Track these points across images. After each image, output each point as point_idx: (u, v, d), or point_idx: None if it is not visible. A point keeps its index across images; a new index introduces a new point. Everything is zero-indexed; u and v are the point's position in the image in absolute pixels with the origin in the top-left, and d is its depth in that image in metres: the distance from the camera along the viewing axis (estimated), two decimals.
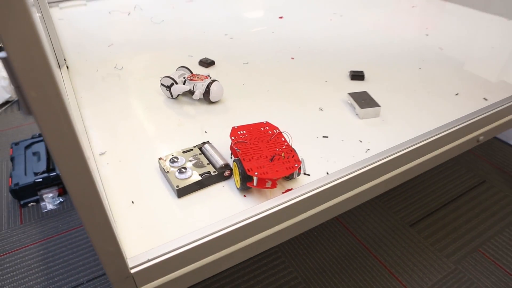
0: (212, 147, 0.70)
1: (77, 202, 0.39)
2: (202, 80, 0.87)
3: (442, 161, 0.82)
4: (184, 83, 0.90)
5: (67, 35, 1.30)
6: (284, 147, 0.65)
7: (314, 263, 1.06)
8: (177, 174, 0.64)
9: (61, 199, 1.36)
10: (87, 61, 1.12)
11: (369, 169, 0.68)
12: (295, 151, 0.64)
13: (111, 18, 1.45)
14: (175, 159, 0.68)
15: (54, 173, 1.34)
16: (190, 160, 0.67)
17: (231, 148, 0.69)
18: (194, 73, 0.94)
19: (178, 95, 0.91)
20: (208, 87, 0.86)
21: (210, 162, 0.67)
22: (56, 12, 1.50)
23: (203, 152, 0.69)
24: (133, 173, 0.69)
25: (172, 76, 0.90)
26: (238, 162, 0.62)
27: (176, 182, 0.63)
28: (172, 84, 0.89)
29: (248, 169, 0.59)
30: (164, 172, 0.65)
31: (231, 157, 0.70)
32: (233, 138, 0.66)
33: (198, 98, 0.87)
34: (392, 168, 0.73)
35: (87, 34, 1.31)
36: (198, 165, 0.67)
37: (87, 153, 0.72)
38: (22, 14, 0.28)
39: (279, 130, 0.68)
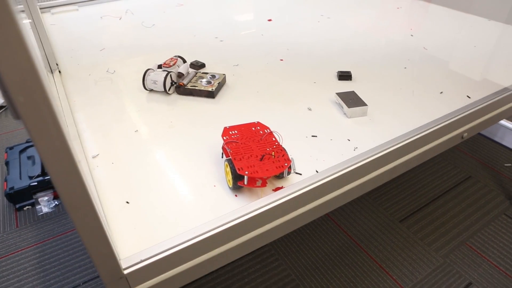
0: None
1: (68, 206, 0.38)
2: (170, 65, 0.93)
3: (428, 157, 0.83)
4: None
5: (59, 40, 1.28)
6: (274, 146, 0.64)
7: (307, 260, 1.06)
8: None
9: (56, 202, 1.35)
10: (80, 65, 1.11)
11: (357, 167, 0.68)
12: (285, 150, 0.64)
13: (103, 22, 1.44)
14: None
15: (49, 177, 1.32)
16: None
17: (223, 148, 0.69)
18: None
19: (151, 89, 0.94)
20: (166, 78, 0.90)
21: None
22: (48, 18, 1.49)
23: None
24: (126, 175, 0.68)
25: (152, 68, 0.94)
26: (229, 161, 0.62)
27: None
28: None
29: (238, 168, 0.59)
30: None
31: (222, 157, 0.70)
32: (225, 138, 0.66)
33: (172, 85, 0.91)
34: (380, 166, 0.73)
35: (79, 39, 1.30)
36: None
37: (78, 156, 0.71)
38: (7, 20, 0.27)
39: (269, 130, 0.68)
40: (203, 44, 1.22)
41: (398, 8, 1.55)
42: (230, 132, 0.67)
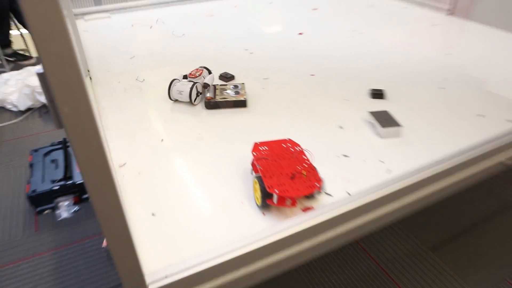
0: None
1: (100, 215, 0.39)
2: (196, 76, 0.96)
3: (465, 186, 0.80)
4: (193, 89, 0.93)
5: (91, 47, 1.33)
6: (305, 165, 0.64)
7: (330, 285, 1.04)
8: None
9: (76, 208, 1.37)
10: (109, 72, 1.14)
11: (391, 191, 0.67)
12: (316, 169, 0.63)
13: (134, 30, 1.48)
14: None
15: (71, 181, 1.35)
16: None
17: (252, 164, 0.68)
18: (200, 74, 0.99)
19: (176, 99, 0.95)
20: (192, 89, 0.91)
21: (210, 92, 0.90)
22: (81, 24, 1.54)
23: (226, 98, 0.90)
24: (152, 186, 0.69)
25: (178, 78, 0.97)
26: (259, 178, 0.61)
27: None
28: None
29: (268, 186, 0.59)
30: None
31: (252, 173, 0.70)
32: (255, 154, 0.66)
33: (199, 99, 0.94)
34: (414, 191, 0.71)
35: (110, 46, 1.34)
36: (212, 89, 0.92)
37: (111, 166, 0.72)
38: (61, 34, 0.29)
39: (301, 147, 0.68)
40: (232, 56, 1.24)
41: (433, 25, 1.53)
42: (261, 148, 0.67)
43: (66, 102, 0.32)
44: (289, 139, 0.71)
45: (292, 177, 0.61)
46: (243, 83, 0.99)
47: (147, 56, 1.26)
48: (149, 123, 0.89)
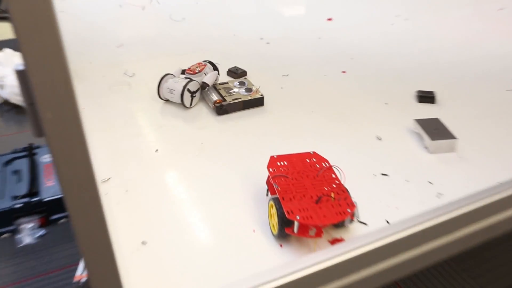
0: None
1: (83, 246, 0.40)
2: (195, 72, 0.98)
3: None
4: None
5: (68, 32, 1.36)
6: (334, 185, 0.65)
7: None
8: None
9: (42, 232, 1.37)
10: (92, 64, 1.17)
11: (442, 221, 0.67)
12: (348, 191, 0.64)
13: (122, 12, 1.51)
14: None
15: (37, 198, 1.36)
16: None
17: (268, 182, 0.70)
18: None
19: (167, 100, 0.98)
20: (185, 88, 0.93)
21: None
22: (56, 3, 1.59)
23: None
24: (143, 207, 0.70)
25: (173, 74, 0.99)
26: (276, 201, 0.62)
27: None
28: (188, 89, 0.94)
29: (288, 211, 0.60)
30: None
31: (267, 194, 0.71)
32: (271, 170, 0.67)
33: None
34: (472, 221, 0.71)
35: (92, 31, 1.37)
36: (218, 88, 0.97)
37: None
38: (48, 22, 0.30)
39: (328, 163, 0.69)
40: (244, 46, 1.26)
41: (500, 9, 1.54)
42: (279, 163, 0.68)
43: (50, 106, 0.33)
44: (314, 152, 0.72)
45: (318, 201, 0.62)
46: (246, 78, 1.02)
47: (138, 45, 1.28)
48: (139, 128, 0.91)
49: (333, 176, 0.67)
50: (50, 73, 0.33)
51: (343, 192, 0.64)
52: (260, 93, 0.96)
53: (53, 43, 0.34)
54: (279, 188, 0.64)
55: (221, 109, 0.93)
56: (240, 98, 0.95)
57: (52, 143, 0.35)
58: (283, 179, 0.65)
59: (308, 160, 0.70)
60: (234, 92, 0.97)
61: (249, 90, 0.97)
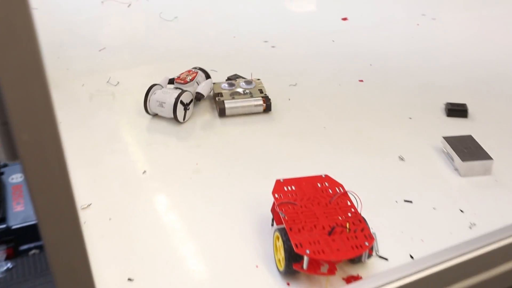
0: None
1: (62, 284, 0.41)
2: (186, 82, 1.00)
3: None
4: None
5: (42, 32, 1.38)
6: (349, 214, 0.66)
7: None
8: (224, 84, 1.04)
9: (9, 265, 1.38)
10: (69, 70, 1.19)
11: (476, 255, 0.68)
12: (365, 221, 0.65)
13: (104, 10, 1.54)
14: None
15: (3, 226, 1.36)
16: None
17: (273, 211, 0.71)
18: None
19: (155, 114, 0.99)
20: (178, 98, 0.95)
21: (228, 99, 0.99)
22: None
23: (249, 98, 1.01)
24: (129, 239, 0.71)
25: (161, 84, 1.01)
26: (283, 232, 0.63)
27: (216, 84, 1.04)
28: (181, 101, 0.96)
29: (296, 244, 0.60)
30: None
31: (272, 224, 0.72)
32: (277, 196, 0.68)
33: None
34: (511, 256, 0.72)
35: (70, 32, 1.39)
36: (233, 94, 1.01)
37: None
38: (26, 29, 0.32)
39: (343, 188, 0.70)
40: (245, 51, 1.27)
41: None
42: (286, 188, 0.69)
43: (26, 126, 0.35)
44: (326, 175, 0.73)
45: (331, 232, 0.63)
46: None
47: (122, 48, 1.30)
48: (125, 146, 0.92)
49: (349, 203, 0.68)
50: (27, 88, 0.34)
51: (360, 222, 0.65)
52: (265, 93, 1.02)
53: (31, 52, 0.35)
54: (286, 217, 0.64)
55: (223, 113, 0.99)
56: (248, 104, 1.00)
57: (28, 168, 0.36)
58: (291, 207, 0.66)
59: (319, 185, 0.71)
60: (239, 91, 1.03)
61: (254, 93, 1.02)
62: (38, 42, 0.36)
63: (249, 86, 1.04)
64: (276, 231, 0.66)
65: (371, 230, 0.70)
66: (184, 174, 0.84)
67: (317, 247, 0.60)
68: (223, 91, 1.02)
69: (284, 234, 0.63)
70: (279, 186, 0.70)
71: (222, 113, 0.99)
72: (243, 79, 1.07)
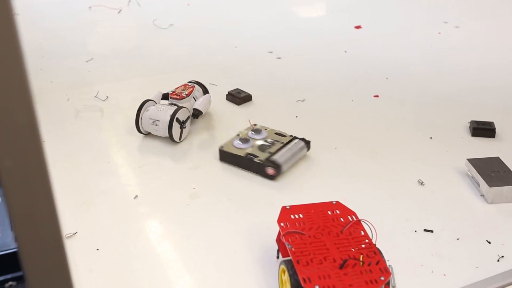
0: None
1: None
2: (182, 97, 1.01)
3: None
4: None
5: (24, 41, 1.39)
6: (363, 245, 0.66)
7: None
8: (236, 141, 0.94)
9: None
10: (53, 83, 1.20)
11: None
12: (381, 253, 0.66)
13: (92, 16, 1.55)
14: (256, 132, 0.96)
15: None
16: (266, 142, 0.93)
17: (279, 241, 0.71)
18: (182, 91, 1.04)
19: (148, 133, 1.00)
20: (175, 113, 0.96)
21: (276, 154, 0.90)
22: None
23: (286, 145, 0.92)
24: (118, 272, 0.71)
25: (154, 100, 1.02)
26: (289, 265, 0.63)
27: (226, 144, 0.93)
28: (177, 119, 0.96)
29: (304, 279, 0.61)
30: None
31: (278, 256, 0.72)
32: (283, 225, 0.68)
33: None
34: None
35: (54, 41, 1.40)
36: (263, 148, 0.92)
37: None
38: (9, 41, 0.32)
39: (356, 216, 0.70)
40: (248, 62, 1.29)
41: None
42: (292, 217, 0.70)
43: (8, 151, 0.35)
44: (338, 202, 0.73)
45: (342, 266, 0.63)
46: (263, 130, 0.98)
47: (112, 59, 1.31)
48: (114, 168, 0.93)
49: (362, 233, 0.68)
50: (10, 108, 0.34)
51: (374, 254, 0.65)
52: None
53: (13, 68, 0.36)
54: (293, 249, 0.65)
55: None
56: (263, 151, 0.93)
57: (10, 196, 0.37)
58: (298, 237, 0.67)
59: (330, 212, 0.71)
60: (249, 139, 0.96)
61: (270, 144, 0.95)
62: (23, 56, 0.37)
63: (262, 135, 0.97)
64: (282, 263, 0.66)
65: (387, 263, 0.71)
66: (180, 199, 0.85)
67: (327, 282, 0.61)
68: (247, 150, 0.93)
69: (291, 267, 0.63)
70: (285, 213, 0.70)
71: (278, 172, 0.89)
72: (249, 131, 0.98)
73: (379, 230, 0.74)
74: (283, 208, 0.71)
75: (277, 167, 0.88)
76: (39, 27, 1.49)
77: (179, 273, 0.72)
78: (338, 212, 0.71)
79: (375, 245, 0.67)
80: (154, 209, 0.84)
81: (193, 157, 0.96)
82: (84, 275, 0.71)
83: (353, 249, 0.65)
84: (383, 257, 0.65)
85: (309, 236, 0.67)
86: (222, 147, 0.94)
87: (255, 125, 0.99)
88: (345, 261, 0.63)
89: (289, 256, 0.65)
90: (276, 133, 0.97)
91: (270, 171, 0.88)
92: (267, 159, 0.89)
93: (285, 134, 0.96)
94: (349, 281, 0.61)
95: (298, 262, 0.63)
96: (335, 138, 1.01)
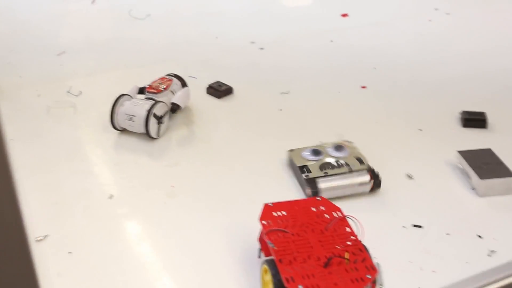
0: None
1: None
2: (160, 91, 1.00)
3: None
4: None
5: None
6: (349, 242, 0.66)
7: None
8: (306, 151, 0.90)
9: None
10: (23, 78, 1.19)
11: (496, 287, 0.69)
12: (367, 250, 0.66)
13: (64, 7, 1.53)
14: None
15: None
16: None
17: (261, 240, 0.71)
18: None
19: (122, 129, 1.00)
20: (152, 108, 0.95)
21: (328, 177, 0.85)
22: None
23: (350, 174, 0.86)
24: (92, 276, 0.71)
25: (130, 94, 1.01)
26: (272, 265, 0.64)
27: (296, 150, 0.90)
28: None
29: (287, 279, 0.61)
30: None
31: (259, 256, 0.72)
32: (265, 223, 0.69)
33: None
34: None
35: (23, 33, 1.39)
36: (324, 167, 0.87)
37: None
38: None
39: (341, 213, 0.71)
40: (230, 53, 1.29)
41: None
42: (275, 214, 0.70)
43: None
44: (323, 198, 0.74)
45: (327, 264, 0.63)
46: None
47: (85, 52, 1.30)
48: (88, 166, 0.92)
49: (348, 229, 0.69)
50: None
51: (360, 251, 0.66)
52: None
53: None
54: (275, 247, 0.65)
55: None
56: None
57: None
58: (281, 235, 0.67)
59: (314, 209, 0.71)
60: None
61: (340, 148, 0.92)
62: None
63: (341, 154, 0.91)
64: (263, 263, 0.66)
65: (374, 261, 0.71)
66: (158, 198, 0.85)
67: (311, 282, 0.61)
68: (308, 163, 0.89)
69: (273, 267, 0.63)
70: (268, 211, 0.70)
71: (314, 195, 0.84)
72: (331, 144, 0.93)
73: (366, 226, 0.75)
74: (266, 205, 0.72)
75: (315, 192, 0.84)
76: (7, 18, 1.48)
77: (157, 275, 0.72)
78: (322, 208, 0.72)
79: (361, 242, 0.68)
80: (130, 209, 0.84)
81: (171, 154, 0.96)
82: (55, 279, 0.70)
83: (338, 247, 0.66)
84: (369, 254, 0.66)
85: (292, 234, 0.67)
86: (292, 150, 0.91)
87: (349, 142, 0.93)
88: (330, 259, 0.64)
89: (271, 255, 0.65)
90: (357, 157, 0.89)
91: (307, 191, 0.85)
92: (311, 178, 0.86)
93: (364, 162, 0.88)
94: (334, 280, 0.62)
95: (280, 261, 0.63)
96: (321, 132, 1.01)
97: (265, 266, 0.66)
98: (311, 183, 0.85)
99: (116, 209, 0.83)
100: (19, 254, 0.42)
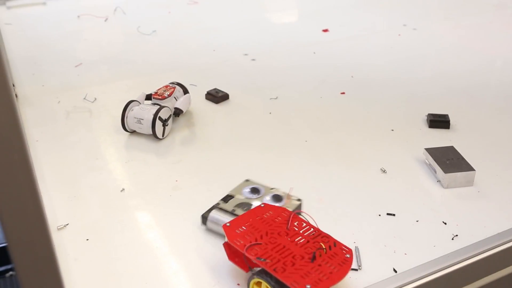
0: None
1: None
2: (164, 97, 1.00)
3: None
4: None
5: (16, 48, 1.38)
6: (313, 233, 0.65)
7: None
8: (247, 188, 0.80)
9: None
10: (45, 87, 1.19)
11: (459, 267, 0.69)
12: (328, 234, 0.65)
13: (81, 24, 1.54)
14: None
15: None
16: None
17: (234, 259, 0.66)
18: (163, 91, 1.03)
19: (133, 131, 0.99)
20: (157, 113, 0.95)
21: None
22: (2, 13, 1.60)
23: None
24: (108, 260, 0.71)
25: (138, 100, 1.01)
26: (266, 277, 0.60)
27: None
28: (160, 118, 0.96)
29: (292, 284, 0.58)
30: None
31: (252, 271, 0.65)
32: (238, 242, 0.63)
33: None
34: (495, 269, 0.73)
35: (45, 48, 1.39)
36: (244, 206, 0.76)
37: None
38: None
39: (287, 211, 0.69)
40: (226, 64, 1.29)
41: None
42: (238, 231, 0.65)
43: None
44: (265, 204, 0.71)
45: (313, 259, 0.61)
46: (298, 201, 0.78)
47: (99, 64, 1.31)
48: (103, 164, 0.92)
49: (304, 224, 0.67)
50: None
51: (327, 237, 0.65)
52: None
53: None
54: (267, 261, 0.61)
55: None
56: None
57: None
58: (258, 248, 0.63)
59: (266, 215, 0.68)
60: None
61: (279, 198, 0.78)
62: (5, 63, 0.36)
63: (274, 204, 0.75)
64: (256, 277, 0.62)
65: (354, 245, 0.71)
66: (164, 191, 0.85)
67: (313, 279, 0.59)
68: (239, 196, 0.78)
69: (271, 278, 0.60)
70: (231, 231, 0.65)
71: (203, 221, 0.75)
72: (275, 191, 0.79)
73: (346, 214, 0.74)
74: (225, 226, 0.66)
75: (205, 217, 0.74)
76: (31, 35, 1.48)
77: (164, 259, 0.72)
78: (271, 213, 0.69)
79: (319, 228, 0.67)
80: (140, 201, 0.83)
81: (175, 152, 0.96)
82: (73, 263, 0.70)
83: (308, 241, 0.64)
84: (331, 236, 0.65)
85: (265, 243, 0.64)
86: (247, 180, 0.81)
87: (296, 198, 0.77)
88: (314, 253, 0.62)
89: (262, 266, 0.61)
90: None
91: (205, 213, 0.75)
92: (215, 205, 0.76)
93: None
94: (327, 270, 0.60)
95: (275, 270, 0.60)
96: (305, 132, 1.02)
97: (257, 279, 0.62)
98: (210, 209, 0.76)
99: (128, 201, 0.83)
100: (41, 241, 0.42)
